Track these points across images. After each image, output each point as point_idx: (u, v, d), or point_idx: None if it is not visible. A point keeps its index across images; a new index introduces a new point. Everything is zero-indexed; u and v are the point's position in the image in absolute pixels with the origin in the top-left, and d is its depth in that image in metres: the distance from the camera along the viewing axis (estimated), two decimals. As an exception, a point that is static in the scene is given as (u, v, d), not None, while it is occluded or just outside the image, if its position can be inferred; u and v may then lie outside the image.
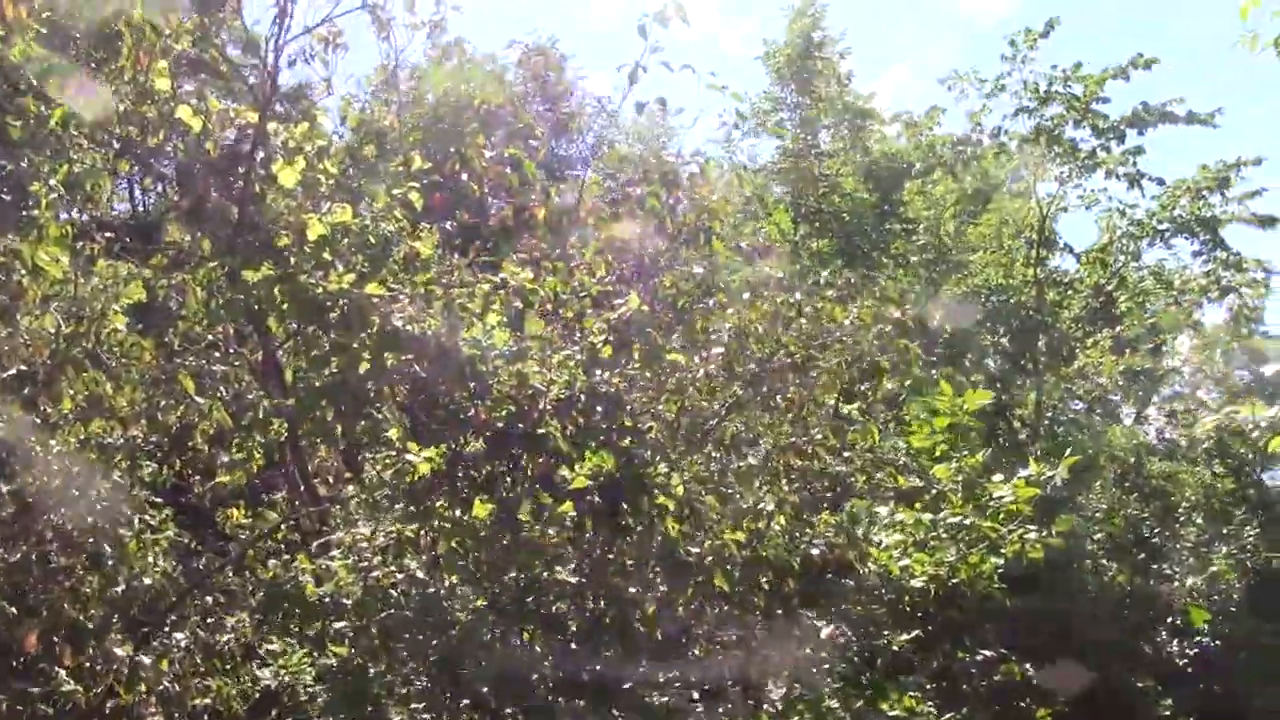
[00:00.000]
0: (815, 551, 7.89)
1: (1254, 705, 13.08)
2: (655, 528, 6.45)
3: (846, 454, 8.75)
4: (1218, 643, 13.60)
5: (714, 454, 8.28)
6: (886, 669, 7.38)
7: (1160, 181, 23.25)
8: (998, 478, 8.51)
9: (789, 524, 8.17)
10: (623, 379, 6.94)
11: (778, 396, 8.47)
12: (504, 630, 5.59)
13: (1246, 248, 31.75)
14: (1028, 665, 8.20)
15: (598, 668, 5.56)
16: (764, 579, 7.27)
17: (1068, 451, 8.95)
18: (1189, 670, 13.19)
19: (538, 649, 5.62)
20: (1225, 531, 16.51)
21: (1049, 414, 21.92)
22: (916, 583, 8.30)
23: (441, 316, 6.29)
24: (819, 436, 8.41)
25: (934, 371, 11.81)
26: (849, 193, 20.54)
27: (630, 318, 6.98)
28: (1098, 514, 13.71)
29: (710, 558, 6.69)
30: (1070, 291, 24.39)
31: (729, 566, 6.80)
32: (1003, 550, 8.43)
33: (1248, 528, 16.53)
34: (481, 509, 6.17)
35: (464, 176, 8.14)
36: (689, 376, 7.80)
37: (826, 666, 6.79)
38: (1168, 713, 11.94)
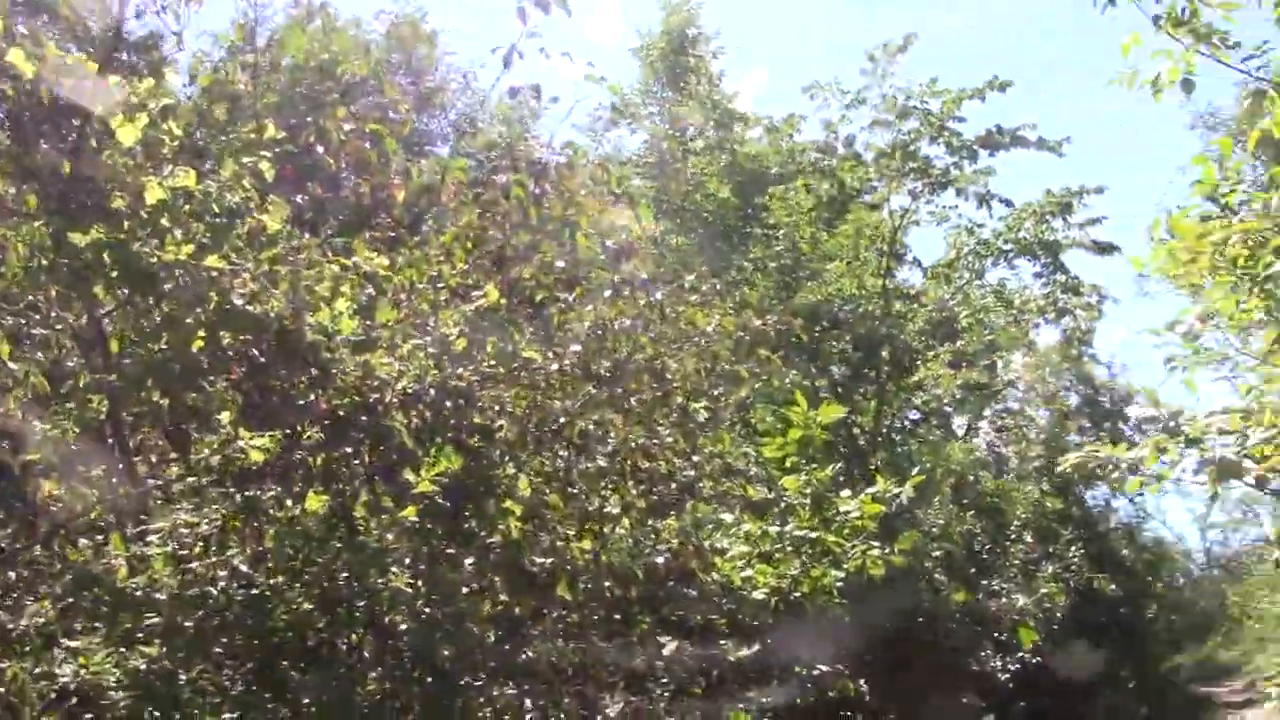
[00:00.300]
0: (659, 559, 7.75)
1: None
2: (498, 531, 6.21)
3: (695, 459, 8.65)
4: (1038, 659, 13.99)
5: (561, 453, 8.08)
6: (724, 686, 7.27)
7: (1008, 203, 23.89)
8: (845, 493, 8.50)
9: (633, 528, 8.03)
10: (475, 374, 6.66)
11: (632, 399, 8.30)
12: (332, 636, 5.25)
13: (1084, 272, 32.99)
14: (862, 681, 8.20)
15: (429, 680, 5.28)
16: (607, 586, 7.10)
17: (914, 471, 8.97)
18: (1010, 686, 13.56)
19: (367, 655, 5.30)
20: (1051, 550, 17.06)
21: (887, 423, 22.36)
22: (758, 594, 8.23)
23: (285, 297, 5.89)
24: (669, 440, 8.29)
25: (788, 381, 11.82)
26: (713, 193, 20.53)
27: (486, 310, 6.71)
28: (934, 529, 13.96)
29: (554, 561, 6.49)
30: (916, 305, 24.88)
31: (573, 575, 6.62)
32: (844, 565, 8.43)
33: (1073, 547, 17.10)
34: (316, 501, 5.84)
35: (320, 149, 7.71)
36: (543, 373, 7.56)
37: (665, 680, 6.63)
38: (990, 731, 12.24)
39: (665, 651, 6.45)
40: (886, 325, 22.66)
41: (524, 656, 6.00)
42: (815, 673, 8.03)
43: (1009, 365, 30.95)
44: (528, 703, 6.07)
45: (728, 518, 8.99)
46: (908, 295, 25.09)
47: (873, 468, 14.00)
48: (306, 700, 5.05)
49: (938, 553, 12.55)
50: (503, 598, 6.01)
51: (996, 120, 22.35)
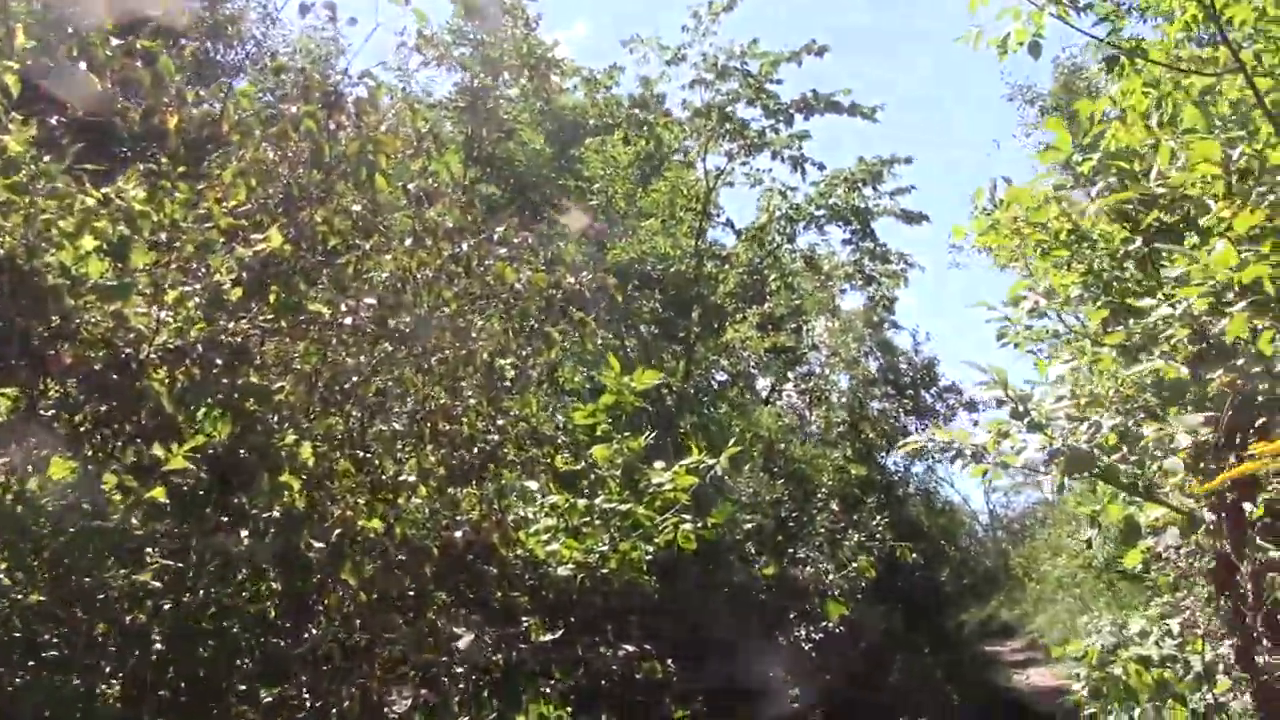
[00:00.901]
0: (458, 534, 7.15)
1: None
2: (279, 503, 5.51)
3: (500, 422, 8.08)
4: (841, 628, 13.95)
5: (354, 414, 7.39)
6: (525, 670, 6.72)
7: (821, 167, 24.07)
8: (659, 464, 8.03)
9: (430, 497, 7.42)
10: (254, 328, 5.90)
11: (433, 357, 7.66)
12: (65, 639, 4.47)
13: (891, 241, 33.41)
14: (670, 661, 7.78)
15: (182, 685, 4.56)
16: (399, 562, 6.47)
17: (725, 437, 8.57)
18: (813, 656, 13.50)
19: (103, 666, 4.54)
20: (855, 518, 17.12)
21: (694, 385, 22.25)
22: (563, 570, 7.71)
23: (22, 231, 5.02)
24: (472, 401, 7.70)
25: (599, 343, 11.32)
26: (526, 142, 19.81)
27: (269, 257, 5.94)
28: (743, 498, 13.74)
29: (340, 535, 5.83)
30: (727, 266, 24.82)
31: (362, 552, 5.98)
32: (655, 539, 8.00)
33: (877, 515, 17.20)
34: (60, 469, 5.02)
35: (82, 65, 6.74)
36: (334, 328, 6.84)
37: (461, 671, 6.05)
38: (795, 705, 12.08)
39: (462, 644, 5.85)
40: (698, 286, 22.51)
41: (301, 649, 5.32)
42: (621, 654, 7.57)
43: (813, 329, 31.37)
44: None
45: (532, 485, 8.44)
46: (719, 256, 25.01)
47: (682, 432, 13.67)
48: (35, 705, 4.28)
49: (749, 524, 12.32)
50: (276, 585, 5.31)
51: (814, 85, 22.41)
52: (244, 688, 4.90)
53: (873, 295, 27.81)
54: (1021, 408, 4.64)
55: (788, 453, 18.17)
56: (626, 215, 20.31)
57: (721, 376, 25.81)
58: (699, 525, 8.04)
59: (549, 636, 6.76)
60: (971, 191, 7.77)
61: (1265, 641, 3.78)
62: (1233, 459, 3.80)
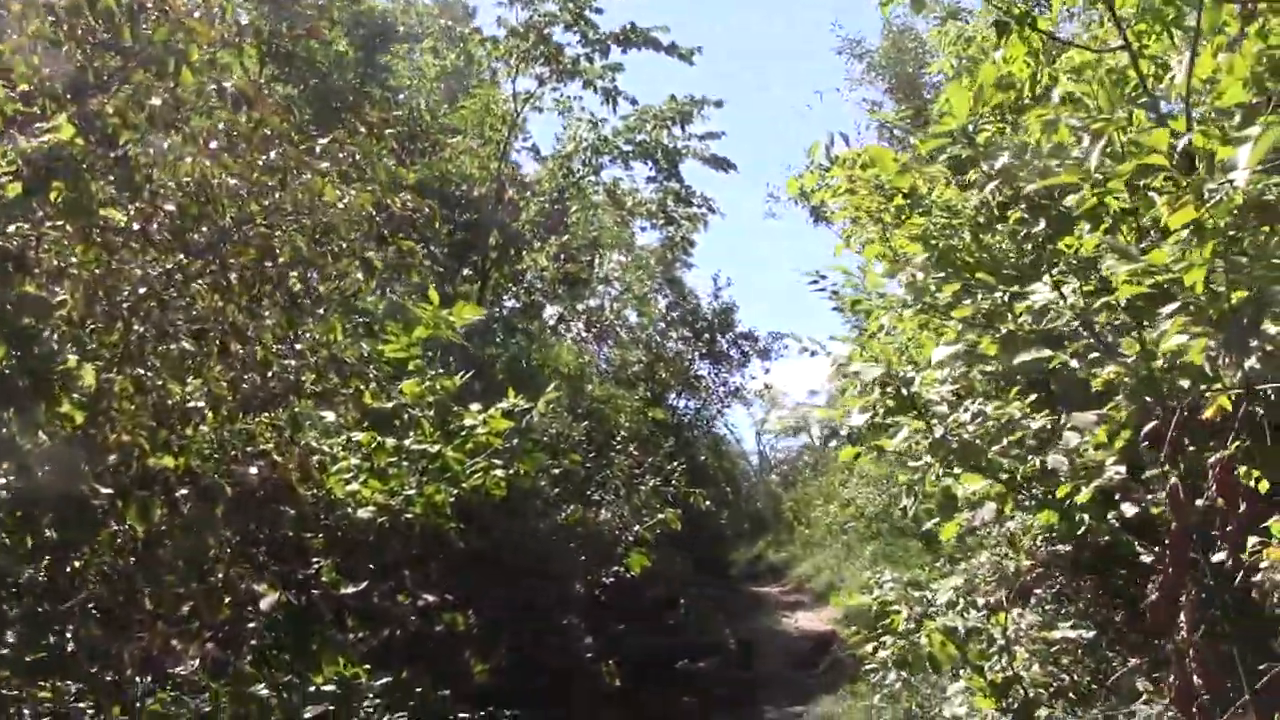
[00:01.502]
0: (254, 470, 6.55)
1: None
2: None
3: (299, 347, 7.46)
4: (631, 574, 13.79)
5: (136, 328, 6.65)
6: (318, 623, 6.22)
7: (634, 102, 23.78)
8: (475, 406, 7.59)
9: (220, 426, 6.79)
10: (32, 230, 5.14)
11: (232, 274, 6.97)
12: None
13: (696, 183, 33.50)
14: (471, 613, 7.39)
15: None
16: (183, 499, 5.84)
17: (524, 370, 8.15)
18: (602, 600, 13.36)
19: None
20: (651, 462, 17.00)
21: (489, 313, 21.73)
22: (364, 513, 7.21)
23: None
24: (269, 322, 7.07)
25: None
26: (330, 42, 18.65)
27: (55, 149, 5.17)
28: (546, 439, 13.35)
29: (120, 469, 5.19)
30: (529, 193, 24.33)
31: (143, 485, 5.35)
32: (463, 484, 7.58)
33: (672, 460, 17.12)
34: None
35: None
36: (125, 234, 6.08)
37: (253, 626, 5.51)
38: (589, 655, 11.90)
39: (264, 605, 5.31)
40: (499, 210, 21.93)
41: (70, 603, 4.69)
42: (421, 603, 7.14)
43: (607, 262, 31.21)
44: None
45: (329, 416, 7.87)
46: (522, 182, 24.49)
47: (493, 368, 13.19)
48: None
49: (555, 470, 11.97)
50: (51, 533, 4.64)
51: (633, 19, 22.01)
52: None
53: (672, 235, 27.78)
54: (905, 391, 4.44)
55: (589, 392, 17.88)
56: (431, 131, 19.43)
57: (512, 303, 25.36)
58: (510, 471, 7.66)
59: (349, 589, 6.25)
60: (790, 143, 7.57)
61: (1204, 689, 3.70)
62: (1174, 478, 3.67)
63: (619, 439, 16.96)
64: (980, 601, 7.54)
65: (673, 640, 16.42)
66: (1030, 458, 4.30)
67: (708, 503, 16.03)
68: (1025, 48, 5.12)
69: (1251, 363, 3.23)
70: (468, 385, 8.02)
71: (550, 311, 28.62)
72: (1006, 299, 5.79)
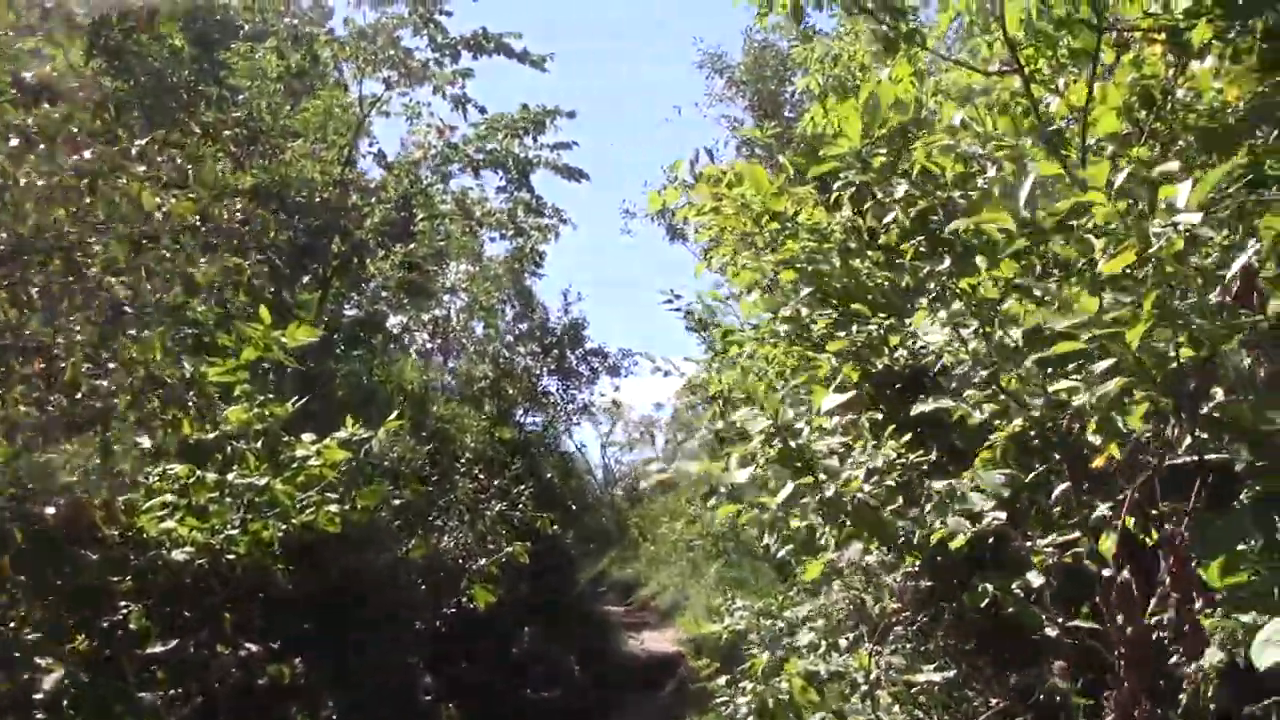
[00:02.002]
0: (49, 509, 5.84)
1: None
2: None
3: (113, 367, 6.74)
4: (473, 604, 13.20)
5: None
6: (120, 688, 5.54)
7: (483, 110, 23.33)
8: (309, 436, 6.97)
9: (13, 457, 6.07)
10: None
11: (33, 285, 6.24)
12: None
13: (547, 194, 32.98)
14: (299, 661, 6.76)
15: None
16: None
17: (365, 386, 7.54)
18: (443, 631, 12.71)
19: None
20: (497, 484, 16.37)
21: (326, 320, 20.91)
22: (180, 554, 6.52)
23: None
24: (80, 339, 6.39)
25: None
26: (166, 35, 17.54)
27: None
28: (388, 462, 12.61)
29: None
30: (375, 200, 23.63)
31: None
32: (293, 519, 6.95)
33: (520, 483, 16.49)
34: None
35: None
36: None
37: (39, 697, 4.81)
38: (429, 697, 11.25)
39: (48, 684, 4.62)
40: (342, 217, 21.13)
41: None
42: (244, 653, 6.49)
43: (453, 272, 30.49)
44: None
45: (145, 442, 7.17)
46: (367, 188, 23.77)
47: (331, 391, 12.43)
48: None
49: (397, 500, 11.26)
50: None
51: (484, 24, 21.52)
52: None
53: (522, 246, 27.28)
54: (793, 444, 4.03)
55: (433, 411, 17.09)
56: (272, 133, 18.47)
57: (354, 312, 24.46)
58: (347, 505, 7.06)
59: (159, 646, 5.58)
60: (648, 157, 7.20)
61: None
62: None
63: (464, 461, 16.24)
64: (842, 643, 7.25)
65: (516, 673, 15.84)
66: (930, 520, 3.97)
67: (555, 527, 15.49)
68: (910, 68, 4.82)
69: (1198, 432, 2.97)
70: (304, 404, 7.40)
71: (394, 321, 27.74)
72: (882, 332, 5.49)
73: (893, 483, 4.13)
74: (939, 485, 4.04)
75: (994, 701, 7.57)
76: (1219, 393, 3.04)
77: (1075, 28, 5.13)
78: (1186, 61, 5.65)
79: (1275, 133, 5.49)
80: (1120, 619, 3.23)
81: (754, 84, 27.62)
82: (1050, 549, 4.05)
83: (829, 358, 5.57)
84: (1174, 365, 2.98)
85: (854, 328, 5.60)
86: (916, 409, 4.13)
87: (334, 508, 6.94)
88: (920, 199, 4.13)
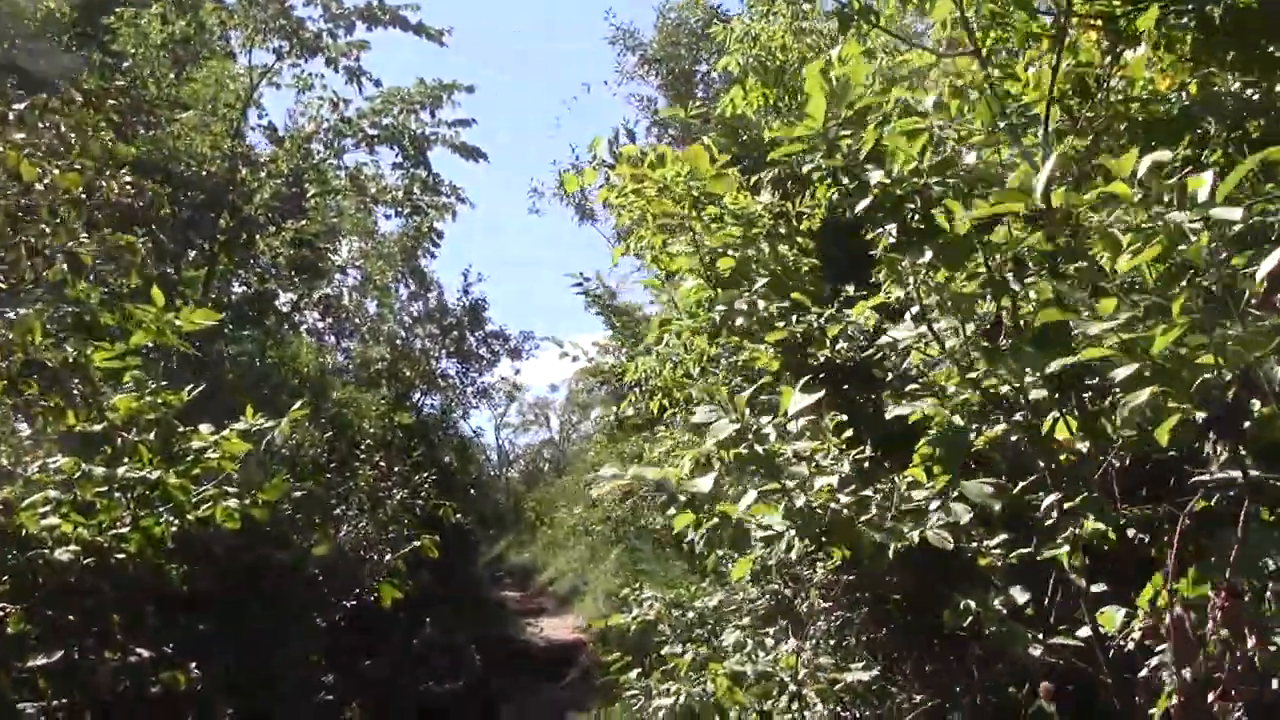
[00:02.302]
0: (-86, 507, 5.34)
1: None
2: None
3: (-13, 350, 6.20)
4: (373, 596, 12.73)
5: None
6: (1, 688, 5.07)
7: (378, 83, 22.76)
8: (206, 427, 6.51)
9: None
10: None
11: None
12: None
13: (447, 173, 32.31)
14: (194, 666, 6.32)
15: None
16: None
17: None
18: (343, 624, 12.20)
19: None
20: (398, 470, 15.82)
21: (213, 297, 20.17)
22: (64, 553, 6.03)
23: None
24: (-50, 320, 5.88)
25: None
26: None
27: None
28: (286, 450, 12.02)
29: None
30: (264, 174, 22.87)
31: None
32: (189, 515, 6.49)
33: (422, 470, 15.96)
34: None
35: None
36: None
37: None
38: (330, 696, 10.77)
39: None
40: (231, 192, 20.37)
41: None
42: (134, 660, 6.04)
43: (346, 249, 29.71)
44: None
45: (25, 431, 6.68)
46: (256, 163, 22.98)
47: (228, 375, 11.78)
48: None
49: (298, 492, 10.69)
50: None
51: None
52: None
53: (418, 225, 26.68)
54: (761, 452, 3.74)
55: (332, 395, 16.41)
56: (157, 104, 17.62)
57: (241, 290, 23.64)
58: (247, 500, 6.63)
59: (45, 660, 5.13)
60: (556, 135, 6.89)
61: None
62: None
63: (363, 447, 15.61)
64: (768, 643, 7.04)
65: (419, 664, 15.37)
66: (908, 531, 3.71)
67: (458, 515, 14.99)
68: (860, 47, 4.57)
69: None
70: (195, 389, 6.92)
71: (284, 300, 26.88)
72: (822, 323, 5.27)
73: (869, 492, 3.88)
74: (919, 494, 3.80)
75: (917, 698, 7.44)
76: (1257, 406, 2.84)
77: (1021, 5, 4.95)
78: (1121, 50, 5.51)
79: (1216, 125, 5.39)
80: (1176, 658, 2.98)
81: (667, 62, 27.16)
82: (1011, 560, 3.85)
83: (767, 348, 5.34)
84: (1207, 376, 2.75)
85: (794, 318, 5.37)
86: (892, 411, 3.89)
87: (233, 503, 6.50)
88: (893, 186, 3.88)
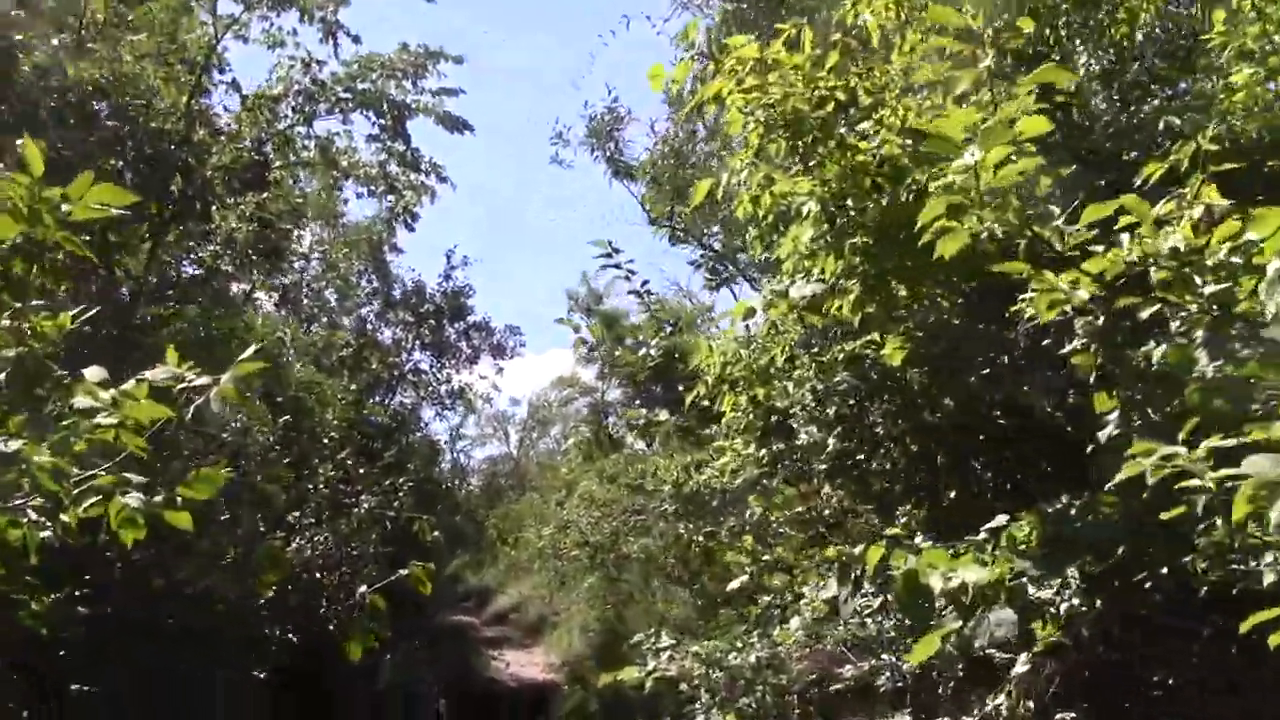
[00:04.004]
0: None
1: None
2: None
3: None
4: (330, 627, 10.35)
5: None
6: None
7: (357, 39, 20.78)
8: (95, 372, 4.12)
9: None
10: None
11: None
12: None
13: (427, 147, 29.80)
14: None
15: None
16: None
17: (250, 350, 4.80)
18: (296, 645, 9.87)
19: None
20: (364, 471, 13.37)
21: (159, 274, 17.85)
22: None
23: None
24: None
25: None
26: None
27: None
28: (227, 435, 9.51)
29: None
30: (224, 138, 20.63)
31: None
32: (65, 516, 4.12)
33: (394, 475, 13.54)
34: None
35: None
36: None
37: None
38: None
39: None
40: (185, 154, 18.07)
41: None
42: None
43: (309, 234, 27.45)
44: None
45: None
46: (216, 126, 20.79)
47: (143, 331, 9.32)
48: None
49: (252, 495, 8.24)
50: None
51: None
52: None
53: (393, 205, 24.36)
54: None
55: (290, 374, 13.84)
56: (108, 22, 15.19)
57: (192, 270, 21.25)
58: (162, 495, 4.22)
59: None
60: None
61: None
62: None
63: (325, 442, 12.88)
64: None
65: (374, 714, 12.97)
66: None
67: (436, 533, 12.50)
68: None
69: None
70: (105, 349, 4.53)
71: (238, 289, 24.38)
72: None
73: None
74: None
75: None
76: None
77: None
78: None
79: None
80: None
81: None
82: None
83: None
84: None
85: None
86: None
87: (136, 498, 4.08)
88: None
